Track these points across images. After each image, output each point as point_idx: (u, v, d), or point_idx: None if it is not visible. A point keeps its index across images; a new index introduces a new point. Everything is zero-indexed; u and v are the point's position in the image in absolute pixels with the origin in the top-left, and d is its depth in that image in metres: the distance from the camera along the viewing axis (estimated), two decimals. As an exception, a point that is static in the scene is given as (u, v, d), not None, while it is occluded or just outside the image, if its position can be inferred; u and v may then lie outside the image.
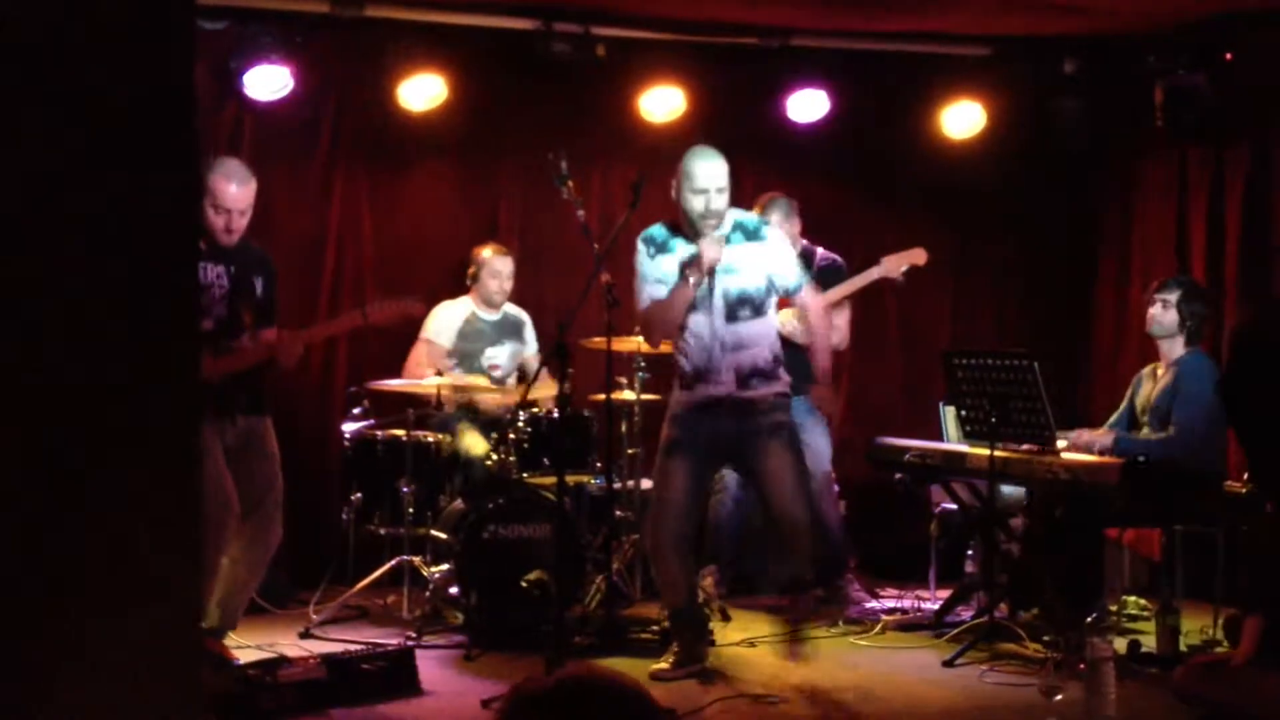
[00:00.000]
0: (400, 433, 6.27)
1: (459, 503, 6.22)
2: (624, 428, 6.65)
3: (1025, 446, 5.79)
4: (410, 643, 5.59)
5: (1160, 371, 6.08)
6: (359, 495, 6.33)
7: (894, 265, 6.70)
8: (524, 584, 5.72)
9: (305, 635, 5.90)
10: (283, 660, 4.90)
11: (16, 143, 2.15)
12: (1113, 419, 6.27)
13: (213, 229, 5.22)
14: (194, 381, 2.54)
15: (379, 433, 6.39)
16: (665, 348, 6.60)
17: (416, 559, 6.23)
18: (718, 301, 5.16)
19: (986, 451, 5.66)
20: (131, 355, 2.26)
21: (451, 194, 7.62)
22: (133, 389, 2.26)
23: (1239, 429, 4.68)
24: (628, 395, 6.51)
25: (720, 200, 5.13)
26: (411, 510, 6.19)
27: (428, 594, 6.17)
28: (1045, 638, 5.69)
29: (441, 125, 7.41)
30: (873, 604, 6.67)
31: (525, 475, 6.11)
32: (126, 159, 2.24)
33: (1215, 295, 6.92)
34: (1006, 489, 6.45)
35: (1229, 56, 7.16)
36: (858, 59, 7.77)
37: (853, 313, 7.04)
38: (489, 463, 6.20)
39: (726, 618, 6.25)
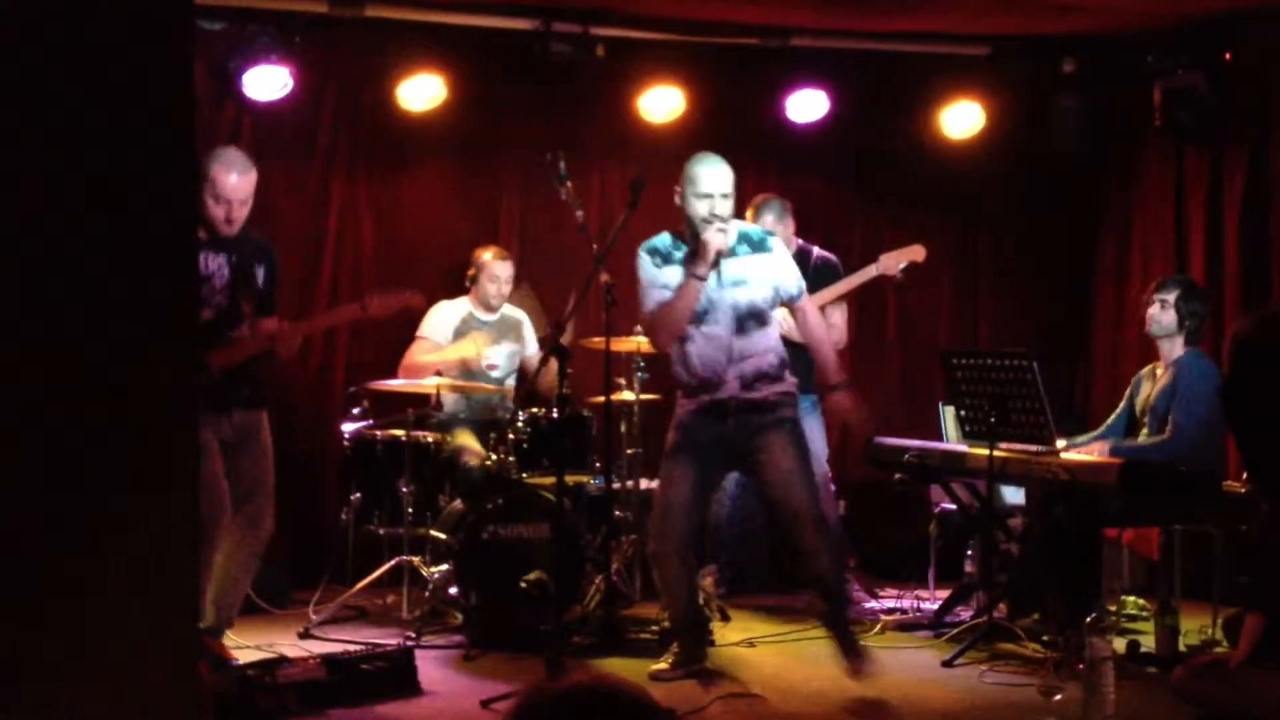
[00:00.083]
0: (399, 433, 6.27)
1: (458, 503, 6.22)
2: (623, 428, 6.65)
3: (1024, 446, 5.78)
4: (409, 643, 5.59)
5: (1159, 372, 6.08)
6: (358, 495, 6.33)
7: (892, 263, 6.70)
8: (523, 584, 5.72)
9: (304, 635, 5.90)
10: (282, 660, 4.90)
11: (16, 142, 2.15)
12: (1111, 420, 6.27)
13: (213, 219, 5.20)
14: (193, 381, 2.54)
15: (378, 433, 6.39)
16: (653, 347, 6.63)
17: (416, 559, 6.22)
18: (727, 314, 5.13)
19: (986, 451, 5.66)
20: (131, 355, 2.27)
21: (450, 194, 7.62)
22: (132, 389, 2.27)
23: (1239, 435, 4.68)
24: (627, 395, 6.51)
25: (725, 206, 5.10)
26: (411, 510, 6.19)
27: (427, 594, 6.17)
28: (1044, 638, 5.70)
29: (441, 125, 7.41)
30: (872, 604, 6.67)
31: (524, 475, 6.11)
32: (126, 159, 2.24)
33: (1214, 295, 6.92)
34: (1006, 489, 6.46)
35: (1228, 56, 7.17)
36: (857, 59, 7.78)
37: (851, 312, 7.04)
38: (488, 463, 6.20)
39: (726, 618, 6.26)
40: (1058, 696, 4.46)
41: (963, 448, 6.10)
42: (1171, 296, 6.01)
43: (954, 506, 6.57)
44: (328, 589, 6.32)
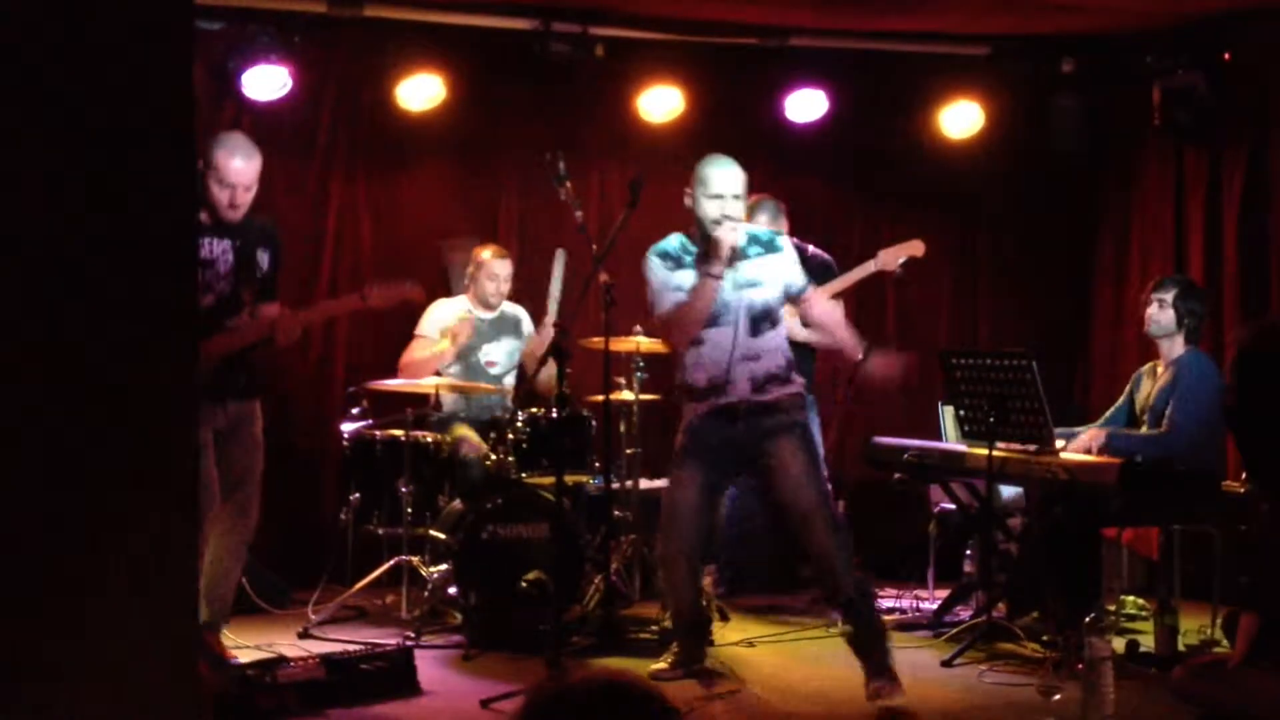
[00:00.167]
0: (399, 433, 6.27)
1: (457, 503, 6.22)
2: (622, 427, 6.65)
3: (1023, 446, 5.79)
4: (409, 643, 5.59)
5: (1160, 370, 6.09)
6: (357, 495, 6.32)
7: (890, 259, 6.68)
8: (523, 584, 5.72)
9: (304, 635, 5.90)
10: (281, 660, 4.90)
11: (16, 142, 2.15)
12: (1109, 414, 6.26)
13: (217, 204, 5.19)
14: (193, 381, 2.54)
15: (377, 433, 6.38)
16: (666, 348, 6.63)
17: (415, 559, 6.22)
18: (741, 316, 5.10)
19: (985, 451, 5.66)
20: (131, 355, 2.27)
21: (450, 194, 7.62)
22: (132, 388, 2.27)
23: (1240, 438, 4.69)
24: (626, 395, 6.51)
25: (736, 207, 5.06)
26: (410, 510, 6.18)
27: (426, 594, 6.17)
28: (1044, 637, 5.70)
29: (440, 125, 7.41)
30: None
31: (524, 475, 6.11)
32: (126, 159, 2.24)
33: (1213, 294, 6.93)
34: (1005, 489, 6.46)
35: (1227, 56, 7.17)
36: (856, 59, 7.78)
37: (848, 310, 7.03)
38: (487, 463, 6.20)
39: (725, 618, 6.25)
40: (1057, 696, 4.46)
41: (962, 447, 6.10)
42: (1169, 296, 6.01)
43: (953, 506, 6.58)
44: (327, 589, 6.32)
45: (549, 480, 5.78)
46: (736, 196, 5.08)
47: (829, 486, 6.65)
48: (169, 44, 2.28)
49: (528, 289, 7.08)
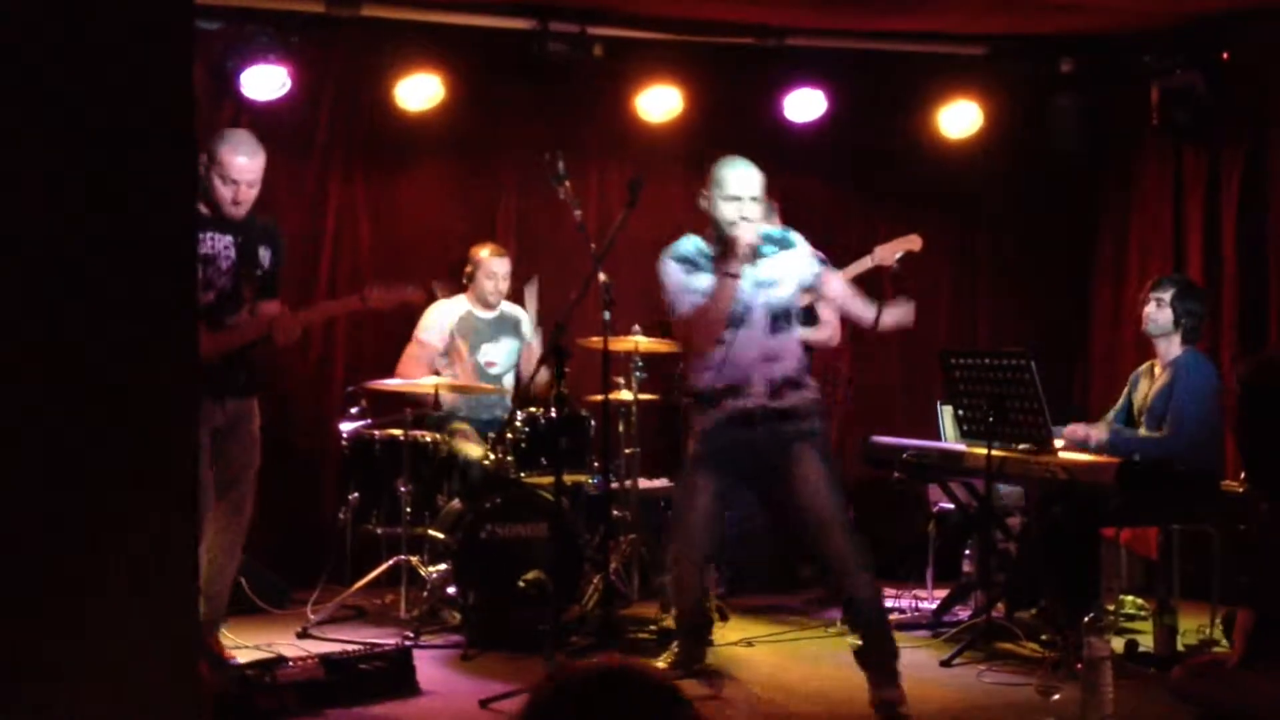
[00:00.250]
0: (397, 432, 6.27)
1: (456, 502, 6.22)
2: (621, 427, 6.65)
3: (1022, 446, 5.79)
4: (408, 643, 5.59)
5: (1158, 370, 6.09)
6: (356, 495, 6.32)
7: (887, 254, 6.68)
8: (521, 584, 5.72)
9: (303, 635, 5.90)
10: (280, 660, 4.90)
11: (16, 142, 2.15)
12: (1109, 415, 6.27)
13: (220, 200, 5.19)
14: (193, 381, 2.54)
15: (376, 432, 6.38)
16: (665, 347, 6.63)
17: (414, 559, 6.22)
18: (762, 316, 5.08)
19: (984, 451, 5.67)
20: (131, 355, 2.27)
21: (448, 194, 7.62)
22: (132, 388, 2.27)
23: (1241, 442, 4.73)
24: (625, 395, 6.51)
25: (753, 209, 4.99)
26: (409, 510, 6.18)
27: (425, 594, 6.17)
28: (1043, 637, 5.70)
29: (438, 125, 7.41)
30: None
31: (523, 475, 6.11)
32: (126, 159, 2.24)
33: (1211, 294, 6.93)
34: (1004, 488, 6.45)
35: (1226, 56, 7.17)
36: (854, 59, 7.78)
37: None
38: (486, 462, 6.20)
39: (724, 617, 6.25)
40: (1056, 696, 4.46)
41: (961, 447, 6.11)
42: (1167, 295, 6.01)
43: (952, 506, 6.58)
44: (326, 589, 6.32)
45: (548, 480, 5.78)
46: (754, 198, 5.01)
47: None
48: (169, 44, 2.29)
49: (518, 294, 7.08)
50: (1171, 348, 6.01)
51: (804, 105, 7.70)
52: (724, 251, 4.99)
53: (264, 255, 5.37)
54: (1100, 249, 8.19)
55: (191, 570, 2.43)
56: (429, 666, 5.30)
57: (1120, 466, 5.40)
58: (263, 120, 7.03)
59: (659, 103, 7.58)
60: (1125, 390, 6.28)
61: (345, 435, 6.44)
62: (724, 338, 5.03)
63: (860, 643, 4.89)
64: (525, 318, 7.02)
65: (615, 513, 6.50)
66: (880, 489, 7.21)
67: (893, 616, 6.34)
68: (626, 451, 6.65)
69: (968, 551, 6.57)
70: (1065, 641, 5.26)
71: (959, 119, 7.91)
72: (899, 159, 8.03)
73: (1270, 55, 6.97)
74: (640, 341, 6.42)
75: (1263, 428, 4.29)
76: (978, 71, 7.86)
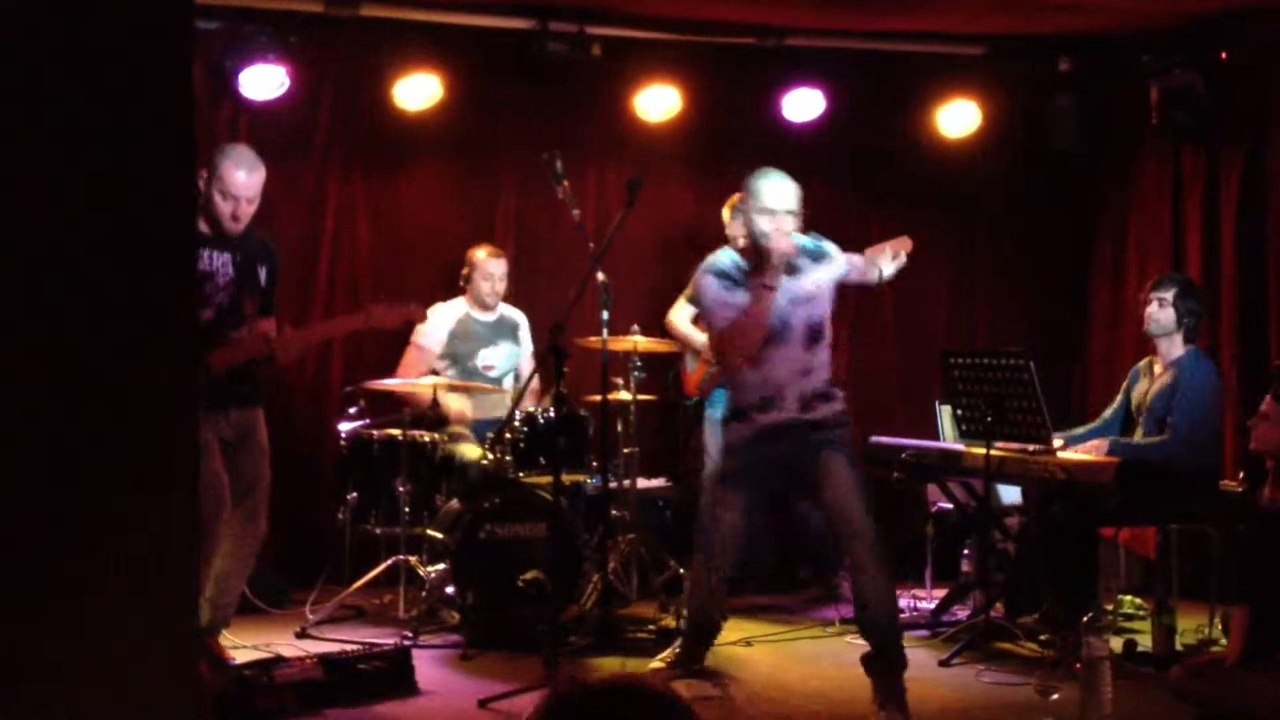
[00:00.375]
0: (396, 432, 6.27)
1: (455, 502, 6.22)
2: (620, 427, 6.65)
3: (1021, 446, 5.79)
4: (407, 642, 5.60)
5: (1158, 369, 6.08)
6: (355, 495, 6.33)
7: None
8: (520, 583, 5.72)
9: (301, 635, 5.90)
10: (279, 660, 4.91)
11: (16, 142, 2.15)
12: (1107, 414, 6.26)
13: (219, 215, 5.20)
14: (193, 381, 2.54)
15: (375, 432, 6.38)
16: (664, 347, 6.63)
17: (413, 559, 6.22)
18: (801, 331, 5.03)
19: (982, 451, 5.67)
20: (131, 355, 2.26)
21: (447, 194, 7.62)
22: (132, 388, 2.26)
23: None
24: (624, 395, 6.51)
25: (790, 222, 4.94)
26: (408, 510, 6.18)
27: (424, 594, 6.17)
28: (1041, 637, 5.70)
29: (437, 125, 7.40)
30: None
31: (521, 475, 6.11)
32: (126, 159, 2.24)
33: (1210, 294, 6.93)
34: (1003, 488, 6.46)
35: (1225, 56, 7.17)
36: (853, 58, 7.78)
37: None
38: (485, 462, 6.20)
39: (724, 617, 6.24)
40: (1055, 696, 4.47)
41: (960, 447, 6.11)
42: (1169, 295, 6.01)
43: (951, 506, 6.58)
44: (325, 589, 6.32)
45: (547, 480, 5.78)
46: (789, 211, 4.95)
47: None
48: (169, 44, 2.28)
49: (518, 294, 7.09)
50: (1173, 347, 6.01)
51: (803, 105, 7.70)
52: (759, 264, 4.93)
53: (262, 272, 5.38)
54: (1099, 249, 8.19)
55: (192, 570, 2.43)
56: (428, 666, 5.30)
57: (1119, 466, 5.40)
58: (261, 120, 7.04)
59: (658, 103, 7.57)
60: (1123, 386, 6.27)
61: (344, 435, 6.44)
62: (764, 355, 4.98)
63: (870, 650, 4.89)
64: (524, 322, 7.02)
65: (614, 512, 6.50)
66: (879, 489, 7.18)
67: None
68: (625, 451, 6.65)
69: (966, 551, 6.57)
70: (1064, 641, 5.27)
71: (958, 119, 7.91)
72: (898, 159, 8.03)
73: (1269, 55, 6.98)
74: (639, 341, 6.42)
75: None
76: (977, 71, 7.87)
